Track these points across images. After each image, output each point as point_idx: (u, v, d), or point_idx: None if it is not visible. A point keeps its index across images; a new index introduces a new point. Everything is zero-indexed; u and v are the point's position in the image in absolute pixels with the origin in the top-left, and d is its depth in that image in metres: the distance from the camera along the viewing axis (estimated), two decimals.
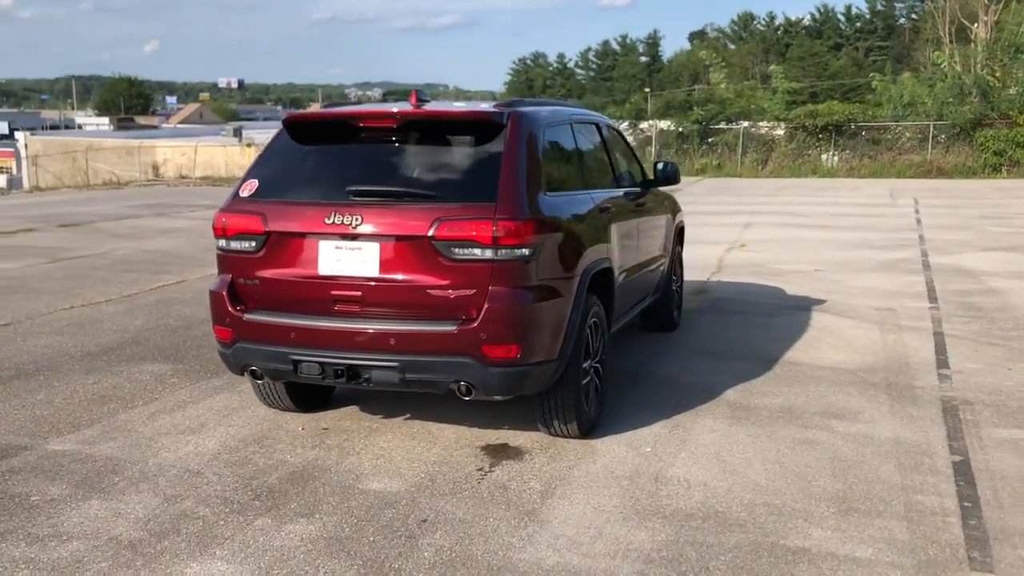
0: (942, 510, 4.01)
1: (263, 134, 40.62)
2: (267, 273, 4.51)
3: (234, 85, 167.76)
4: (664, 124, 30.85)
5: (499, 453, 4.71)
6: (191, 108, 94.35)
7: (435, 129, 4.62)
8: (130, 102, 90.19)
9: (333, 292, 4.37)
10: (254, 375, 4.65)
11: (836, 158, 28.87)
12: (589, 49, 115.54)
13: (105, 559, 3.57)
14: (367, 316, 4.35)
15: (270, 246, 4.48)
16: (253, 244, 4.51)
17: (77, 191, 26.62)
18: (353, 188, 4.39)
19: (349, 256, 4.32)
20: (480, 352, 4.20)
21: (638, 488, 4.25)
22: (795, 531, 3.81)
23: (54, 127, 70.33)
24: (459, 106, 4.85)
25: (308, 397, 5.17)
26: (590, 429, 4.91)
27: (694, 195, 21.53)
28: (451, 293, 4.21)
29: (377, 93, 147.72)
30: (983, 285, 9.64)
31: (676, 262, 7.48)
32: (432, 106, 4.83)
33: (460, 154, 4.49)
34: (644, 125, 31.55)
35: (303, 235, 4.39)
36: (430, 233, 4.18)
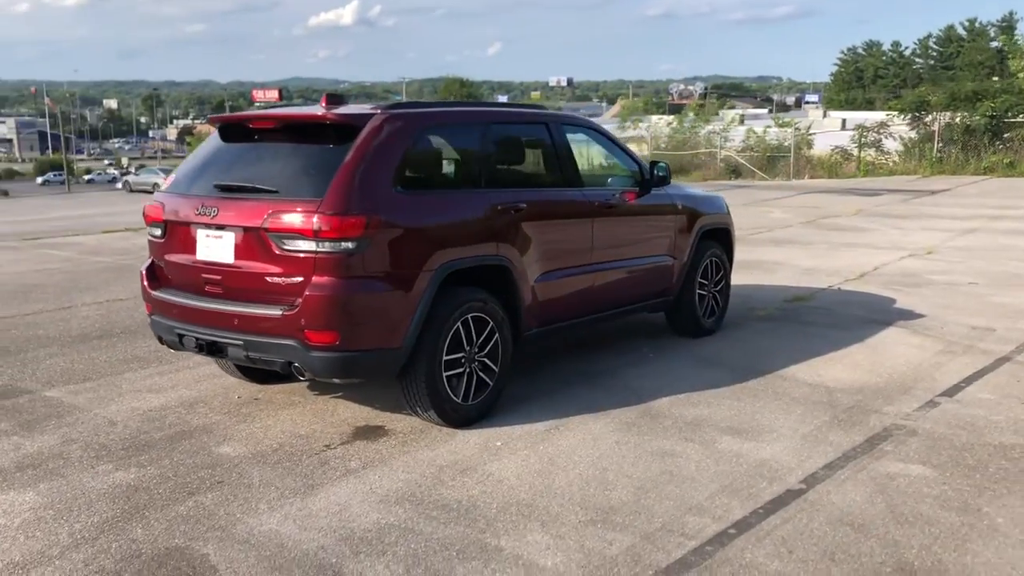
0: (691, 533, 3.81)
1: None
2: (167, 256, 5.20)
3: (564, 83, 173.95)
4: (950, 117, 28.05)
5: (365, 433, 5.05)
6: None
7: (302, 131, 5.04)
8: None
9: (204, 275, 4.96)
10: (164, 344, 5.35)
11: None
12: (929, 36, 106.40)
13: None
14: (224, 298, 4.89)
15: (168, 233, 5.17)
16: (158, 231, 5.23)
17: None
18: (217, 183, 4.96)
19: (215, 244, 4.89)
20: (303, 336, 4.59)
21: (433, 477, 4.42)
22: (514, 532, 3.82)
23: None
24: (342, 110, 5.20)
25: (253, 371, 5.78)
26: (465, 419, 5.08)
27: (957, 196, 19.66)
28: (282, 281, 4.63)
29: (699, 88, 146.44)
30: None
31: (710, 266, 7.22)
32: (342, 109, 5.21)
33: (315, 154, 4.86)
34: (929, 118, 28.85)
35: (187, 224, 5.02)
36: (265, 225, 4.63)
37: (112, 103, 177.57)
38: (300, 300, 4.57)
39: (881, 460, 4.61)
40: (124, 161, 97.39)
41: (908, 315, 8.03)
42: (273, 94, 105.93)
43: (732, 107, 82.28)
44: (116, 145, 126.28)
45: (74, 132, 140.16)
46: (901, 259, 11.44)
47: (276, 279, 4.66)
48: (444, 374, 4.98)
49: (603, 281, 6.12)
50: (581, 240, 5.93)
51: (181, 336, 5.06)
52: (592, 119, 8.10)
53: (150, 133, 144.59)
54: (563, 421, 5.22)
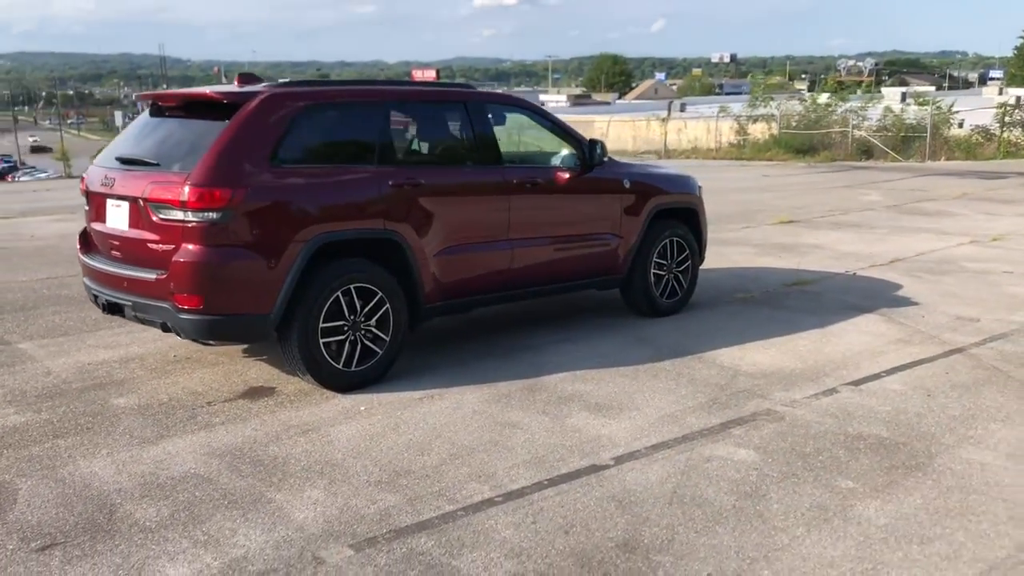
0: (458, 498, 3.95)
1: (709, 108, 41.23)
2: (91, 224, 5.71)
3: (727, 59, 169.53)
4: None
5: (253, 393, 5.41)
6: (647, 84, 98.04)
7: (196, 108, 5.40)
8: (612, 79, 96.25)
9: (110, 241, 5.44)
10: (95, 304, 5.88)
11: None
12: None
13: None
14: (121, 262, 5.35)
15: (89, 202, 5.67)
16: (85, 200, 5.74)
17: None
18: (117, 155, 5.42)
19: (115, 212, 5.35)
20: (173, 300, 4.98)
21: (273, 435, 4.72)
22: (296, 488, 4.08)
23: None
24: (227, 89, 5.49)
25: None
26: (346, 385, 5.36)
27: None
28: (159, 247, 5.04)
29: (869, 65, 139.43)
30: None
31: (670, 246, 7.17)
32: (232, 88, 5.51)
33: (201, 130, 5.21)
34: None
35: (99, 194, 5.50)
36: (145, 195, 5.04)
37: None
38: (170, 266, 4.95)
39: (716, 444, 4.58)
40: None
41: (899, 302, 7.70)
42: (431, 74, 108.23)
43: (905, 84, 78.05)
44: None
45: None
46: (957, 246, 10.85)
47: (155, 246, 5.07)
48: (321, 340, 5.25)
49: (525, 258, 6.23)
50: (494, 217, 6.05)
51: (96, 297, 5.56)
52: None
53: None
54: (443, 391, 5.41)
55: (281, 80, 5.89)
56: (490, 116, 6.19)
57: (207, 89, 5.46)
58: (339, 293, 5.29)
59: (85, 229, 5.90)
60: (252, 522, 3.75)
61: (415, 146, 6.04)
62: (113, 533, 3.65)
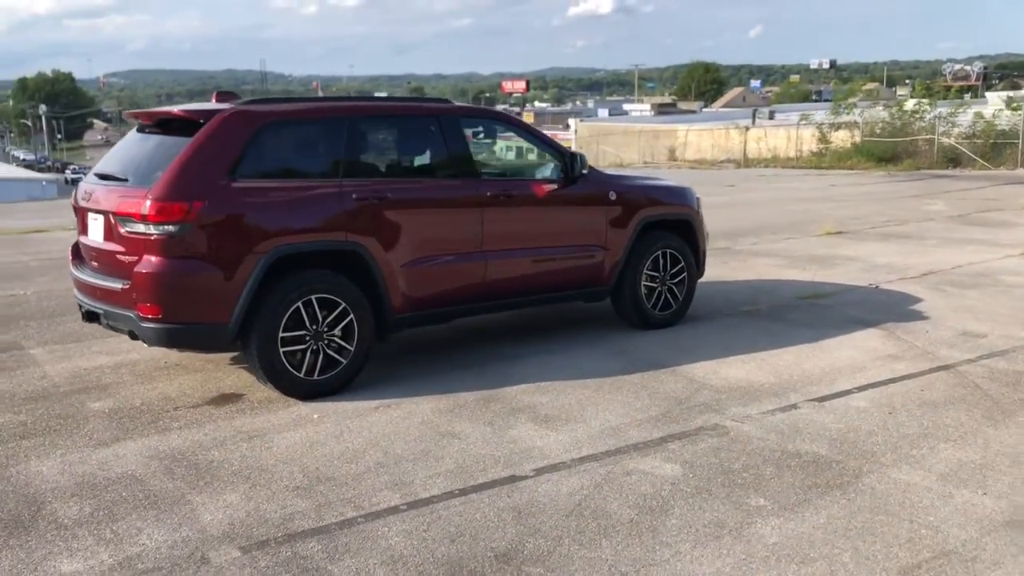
0: (363, 505, 4.05)
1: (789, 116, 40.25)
2: (79, 237, 6.02)
3: (826, 65, 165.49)
4: None
5: (222, 400, 5.60)
6: (735, 92, 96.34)
7: (168, 126, 5.63)
8: (704, 87, 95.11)
9: (91, 252, 5.73)
10: None
11: None
12: None
13: None
14: (97, 272, 5.63)
15: (77, 216, 5.98)
16: (74, 214, 6.06)
17: None
18: (96, 171, 5.71)
19: (94, 225, 5.64)
20: (136, 309, 5.23)
21: (219, 441, 4.90)
22: (217, 491, 4.24)
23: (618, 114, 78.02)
24: (193, 107, 5.72)
25: None
26: (307, 393, 5.51)
27: None
28: (125, 259, 5.29)
29: (977, 68, 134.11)
30: None
31: (663, 258, 7.14)
32: (198, 106, 5.74)
33: (168, 146, 5.43)
34: None
35: (83, 209, 5.80)
36: (113, 209, 5.31)
37: (382, 95, 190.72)
38: (133, 276, 5.20)
39: (645, 457, 4.56)
40: None
41: (908, 317, 7.49)
42: (521, 85, 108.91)
43: (1016, 88, 74.79)
44: None
45: None
46: (1002, 258, 10.47)
47: (122, 257, 5.32)
48: (282, 349, 5.42)
49: (501, 270, 6.29)
50: (466, 230, 6.13)
51: (80, 306, 5.86)
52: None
53: None
54: (401, 400, 5.52)
55: (249, 99, 6.08)
56: (464, 130, 6.28)
57: (176, 108, 5.71)
58: (300, 304, 5.44)
59: (76, 242, 6.22)
60: (161, 522, 3.91)
61: (383, 160, 6.17)
62: (30, 529, 3.86)
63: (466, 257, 6.14)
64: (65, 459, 4.67)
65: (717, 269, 9.52)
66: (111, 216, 5.36)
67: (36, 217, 18.60)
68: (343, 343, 5.64)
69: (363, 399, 5.55)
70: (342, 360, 5.64)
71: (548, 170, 6.67)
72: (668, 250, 7.21)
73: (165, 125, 5.71)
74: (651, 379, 5.85)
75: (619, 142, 42.97)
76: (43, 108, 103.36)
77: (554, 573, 3.43)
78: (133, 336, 5.40)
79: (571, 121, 55.34)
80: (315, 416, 5.28)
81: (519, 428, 5.01)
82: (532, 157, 6.91)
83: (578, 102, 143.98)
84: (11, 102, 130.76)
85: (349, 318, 5.63)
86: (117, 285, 5.33)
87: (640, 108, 75.98)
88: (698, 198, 7.59)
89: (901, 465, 4.40)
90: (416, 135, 6.25)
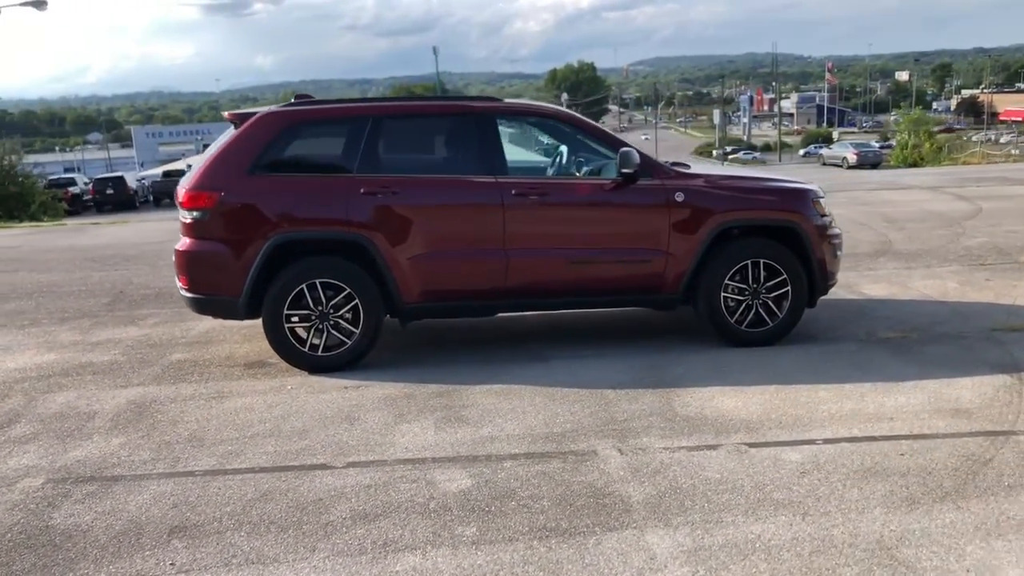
0: (189, 465, 4.61)
1: None
2: None
3: None
4: None
5: (255, 365, 6.39)
6: None
7: (233, 125, 6.46)
8: None
9: None
10: None
11: None
12: None
13: None
14: None
15: None
16: None
17: None
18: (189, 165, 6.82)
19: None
20: (179, 280, 6.28)
21: (192, 398, 5.73)
22: (105, 433, 5.09)
23: None
24: (242, 111, 6.39)
25: None
26: (316, 367, 6.11)
27: None
28: (180, 239, 6.33)
29: None
30: None
31: (753, 269, 6.41)
32: (251, 110, 6.47)
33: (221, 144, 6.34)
34: None
35: None
36: (180, 200, 6.37)
37: (903, 75, 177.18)
38: (175, 255, 6.25)
39: (456, 468, 4.44)
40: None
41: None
42: None
43: None
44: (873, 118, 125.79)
45: (859, 105, 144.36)
46: None
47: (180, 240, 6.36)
48: (287, 326, 6.09)
49: (525, 269, 6.21)
50: (482, 227, 6.16)
51: None
52: None
53: (934, 105, 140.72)
54: (374, 384, 5.81)
55: (293, 101, 6.63)
56: (496, 127, 6.26)
57: (227, 112, 6.54)
58: (304, 286, 6.03)
59: None
60: (31, 453, 4.82)
61: (402, 158, 6.37)
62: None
63: (484, 254, 6.18)
64: (126, 390, 5.92)
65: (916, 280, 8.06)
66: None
67: None
68: (350, 326, 6.11)
69: (348, 377, 5.98)
70: (347, 341, 6.13)
71: (593, 168, 6.43)
72: (762, 260, 6.43)
73: (233, 125, 6.62)
74: (623, 397, 5.45)
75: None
76: (564, 96, 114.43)
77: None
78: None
79: None
80: (289, 387, 5.87)
81: (419, 423, 5.09)
82: (588, 155, 6.64)
83: None
84: (539, 92, 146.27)
85: (355, 303, 6.08)
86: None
87: None
88: (816, 202, 6.62)
89: (681, 528, 3.75)
90: (440, 133, 6.43)
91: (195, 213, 6.05)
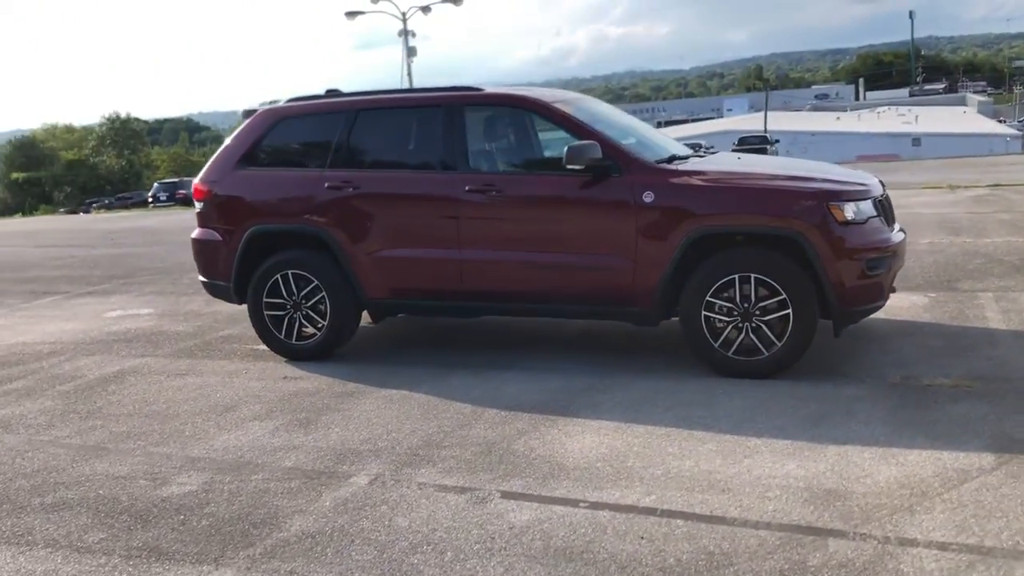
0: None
1: None
2: None
3: None
4: None
5: (258, 349, 6.86)
6: None
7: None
8: None
9: None
10: None
11: None
12: None
13: None
14: None
15: None
16: None
17: None
18: None
19: None
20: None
21: (162, 370, 6.38)
22: (126, 425, 5.82)
23: None
24: (252, 107, 6.61)
25: None
26: (292, 354, 6.42)
27: None
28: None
29: None
30: None
31: (741, 285, 5.34)
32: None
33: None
34: None
35: None
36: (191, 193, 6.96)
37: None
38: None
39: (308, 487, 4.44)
40: None
41: None
42: None
43: None
44: None
45: None
46: None
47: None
48: (266, 313, 6.42)
49: (479, 271, 5.87)
50: (438, 224, 5.91)
51: None
52: None
53: None
54: (310, 376, 6.03)
55: (291, 97, 6.75)
56: (461, 119, 5.90)
57: (244, 110, 6.86)
58: (279, 277, 6.31)
59: None
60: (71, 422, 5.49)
61: (372, 152, 6.26)
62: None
63: (439, 253, 5.93)
64: (152, 359, 6.81)
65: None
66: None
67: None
68: (320, 317, 6.27)
69: (304, 369, 6.20)
70: (316, 332, 6.31)
71: (550, 163, 5.97)
72: (754, 274, 5.35)
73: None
74: (481, 421, 4.95)
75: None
76: None
77: None
78: None
79: None
80: (244, 372, 6.22)
81: (273, 422, 5.13)
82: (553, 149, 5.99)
83: None
84: None
85: (321, 295, 6.22)
86: None
87: None
88: (835, 207, 5.29)
89: None
90: (410, 127, 6.19)
91: (199, 204, 6.60)
